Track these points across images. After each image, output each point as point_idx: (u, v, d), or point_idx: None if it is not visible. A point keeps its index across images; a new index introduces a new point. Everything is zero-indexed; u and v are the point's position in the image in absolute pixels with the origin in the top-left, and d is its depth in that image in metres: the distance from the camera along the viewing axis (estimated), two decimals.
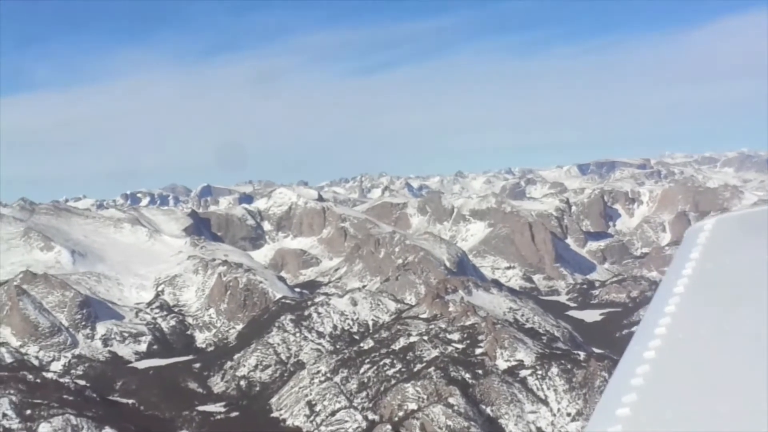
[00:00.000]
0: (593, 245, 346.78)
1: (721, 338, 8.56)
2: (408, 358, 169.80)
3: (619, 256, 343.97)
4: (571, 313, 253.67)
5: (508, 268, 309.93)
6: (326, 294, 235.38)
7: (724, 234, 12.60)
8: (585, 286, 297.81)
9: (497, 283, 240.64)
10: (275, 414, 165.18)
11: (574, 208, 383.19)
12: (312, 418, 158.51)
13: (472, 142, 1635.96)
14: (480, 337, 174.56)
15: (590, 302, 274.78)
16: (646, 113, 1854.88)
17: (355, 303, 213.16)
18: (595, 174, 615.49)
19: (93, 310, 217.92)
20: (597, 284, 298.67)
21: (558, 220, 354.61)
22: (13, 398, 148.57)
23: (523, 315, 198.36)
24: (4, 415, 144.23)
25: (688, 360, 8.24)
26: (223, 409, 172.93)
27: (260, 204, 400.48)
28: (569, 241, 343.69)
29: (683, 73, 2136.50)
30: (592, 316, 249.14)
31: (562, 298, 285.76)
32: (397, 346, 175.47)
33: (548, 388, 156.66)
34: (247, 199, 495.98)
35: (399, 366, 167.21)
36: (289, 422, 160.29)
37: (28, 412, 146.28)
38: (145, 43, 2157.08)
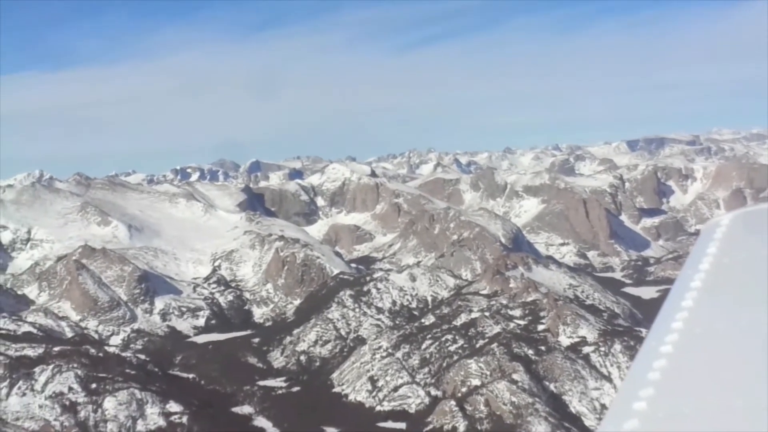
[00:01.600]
0: (647, 222, 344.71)
1: (739, 333, 8.39)
2: (470, 334, 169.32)
3: (674, 232, 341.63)
4: (627, 289, 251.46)
5: (563, 244, 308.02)
6: (384, 270, 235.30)
7: (741, 229, 12.60)
8: (640, 263, 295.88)
9: (553, 260, 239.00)
10: (337, 389, 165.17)
11: (627, 184, 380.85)
12: (374, 393, 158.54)
13: (518, 117, 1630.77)
14: (542, 314, 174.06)
15: (646, 279, 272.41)
16: (692, 89, 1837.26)
17: (413, 279, 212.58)
18: (644, 150, 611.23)
19: (151, 284, 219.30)
20: (652, 261, 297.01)
21: (612, 196, 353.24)
22: (78, 372, 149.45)
23: (583, 291, 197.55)
24: (70, 388, 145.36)
25: (705, 355, 8.08)
26: (284, 384, 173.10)
27: (313, 179, 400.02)
28: (623, 217, 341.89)
29: (729, 48, 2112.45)
30: (648, 293, 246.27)
31: (617, 275, 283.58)
32: (458, 322, 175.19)
33: (611, 365, 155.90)
34: (296, 174, 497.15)
35: (461, 342, 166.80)
36: (351, 397, 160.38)
37: (94, 386, 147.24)
38: (194, 20, 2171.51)
